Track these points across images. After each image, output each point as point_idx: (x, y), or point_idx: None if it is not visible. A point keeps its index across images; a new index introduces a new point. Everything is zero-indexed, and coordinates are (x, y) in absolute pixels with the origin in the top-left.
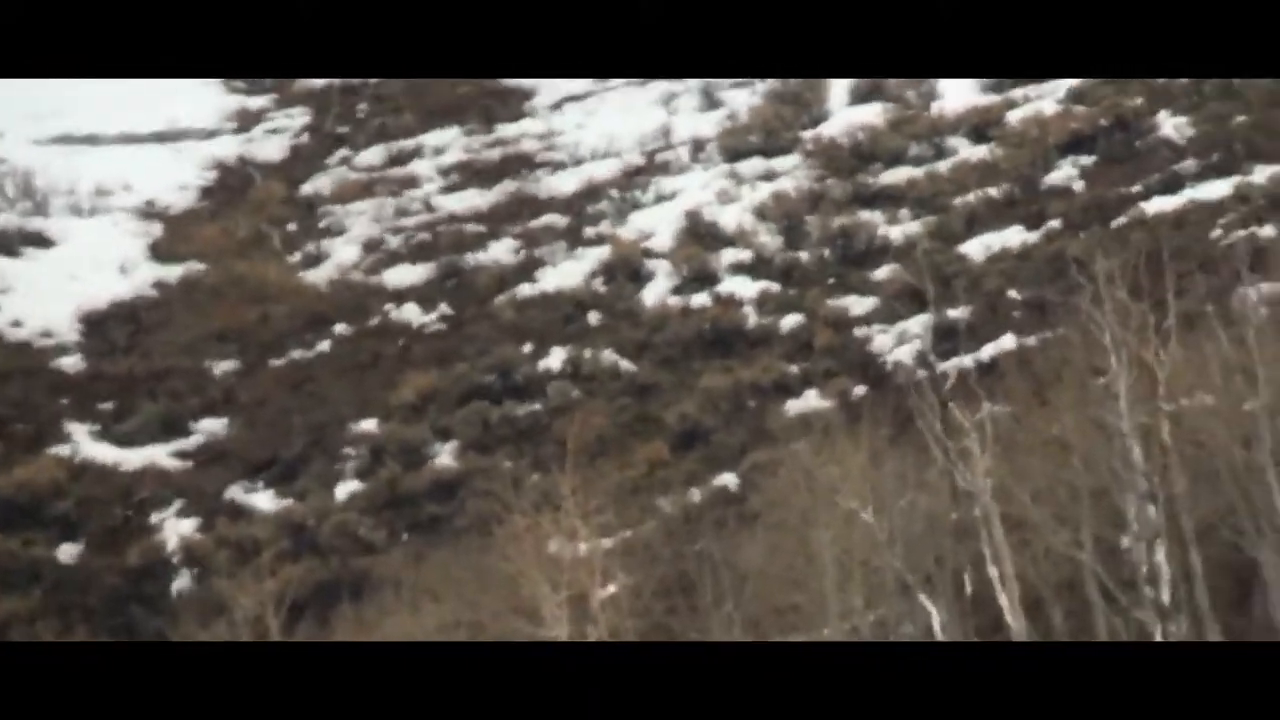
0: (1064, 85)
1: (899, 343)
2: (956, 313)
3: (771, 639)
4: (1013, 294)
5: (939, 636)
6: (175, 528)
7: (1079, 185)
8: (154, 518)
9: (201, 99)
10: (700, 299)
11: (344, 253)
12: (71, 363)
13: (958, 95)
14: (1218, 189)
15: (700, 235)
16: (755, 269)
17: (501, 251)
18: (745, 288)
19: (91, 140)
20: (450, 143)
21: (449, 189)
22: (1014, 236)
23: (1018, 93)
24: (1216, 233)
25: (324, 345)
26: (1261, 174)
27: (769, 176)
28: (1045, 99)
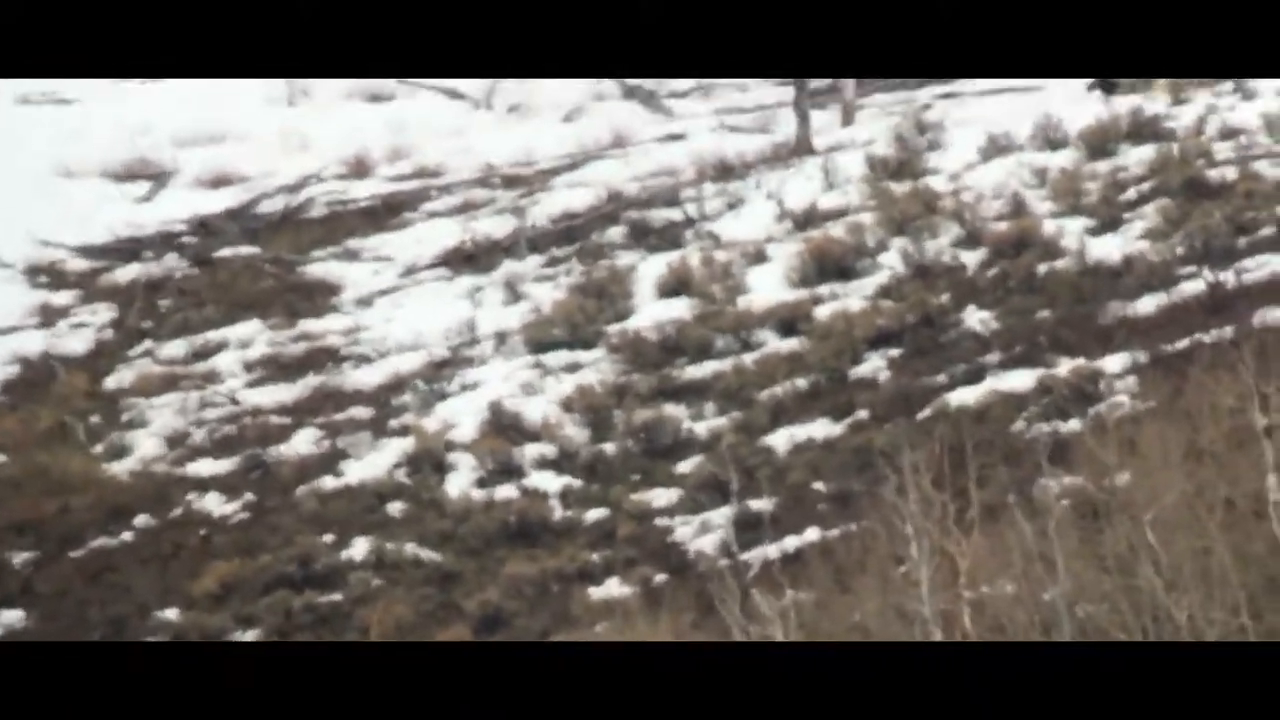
0: (870, 283)
1: (702, 533)
2: (760, 504)
3: None
4: (818, 486)
5: None
6: None
7: (885, 376)
8: None
9: (4, 295)
10: (505, 492)
11: (147, 445)
12: None
13: (765, 290)
14: (1021, 381)
15: (504, 428)
16: (560, 463)
17: (304, 443)
18: (550, 482)
19: None
20: (254, 336)
21: (253, 382)
22: (819, 428)
23: (824, 289)
24: (1020, 425)
25: (126, 536)
26: (1065, 367)
27: (574, 369)
28: (852, 296)
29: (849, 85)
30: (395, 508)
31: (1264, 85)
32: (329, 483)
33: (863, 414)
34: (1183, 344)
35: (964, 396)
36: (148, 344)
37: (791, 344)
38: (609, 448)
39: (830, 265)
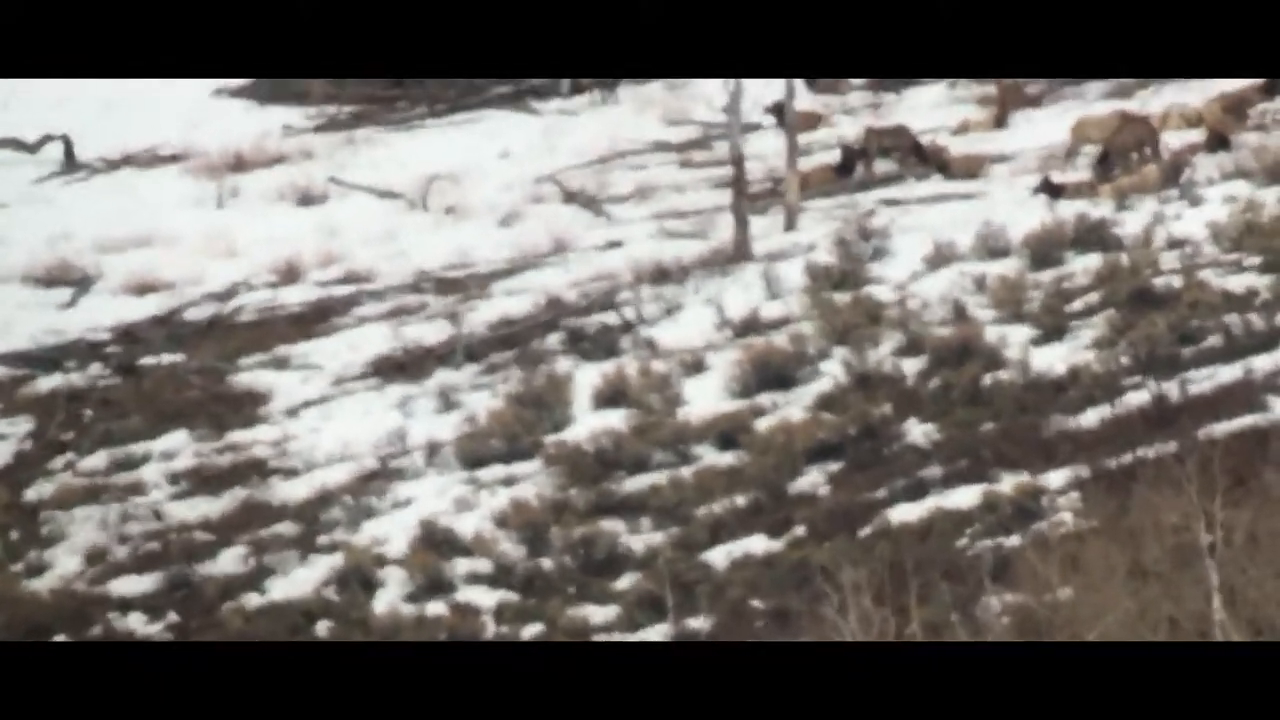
0: (811, 392)
1: None
2: (698, 622)
3: None
4: (756, 603)
5: None
6: None
7: (824, 491)
8: None
9: None
10: (435, 608)
11: (67, 562)
12: None
13: (704, 401)
14: (964, 497)
15: (436, 543)
16: (495, 578)
17: (230, 560)
18: (484, 597)
19: None
20: (180, 448)
21: (178, 495)
22: (758, 544)
23: (765, 399)
24: (962, 541)
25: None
26: (1008, 482)
27: (509, 483)
28: (793, 406)
29: (793, 187)
30: (323, 626)
31: (1211, 192)
32: (254, 600)
33: (801, 530)
34: (1127, 459)
35: (906, 514)
36: (69, 456)
37: (729, 458)
38: (545, 563)
39: (770, 374)
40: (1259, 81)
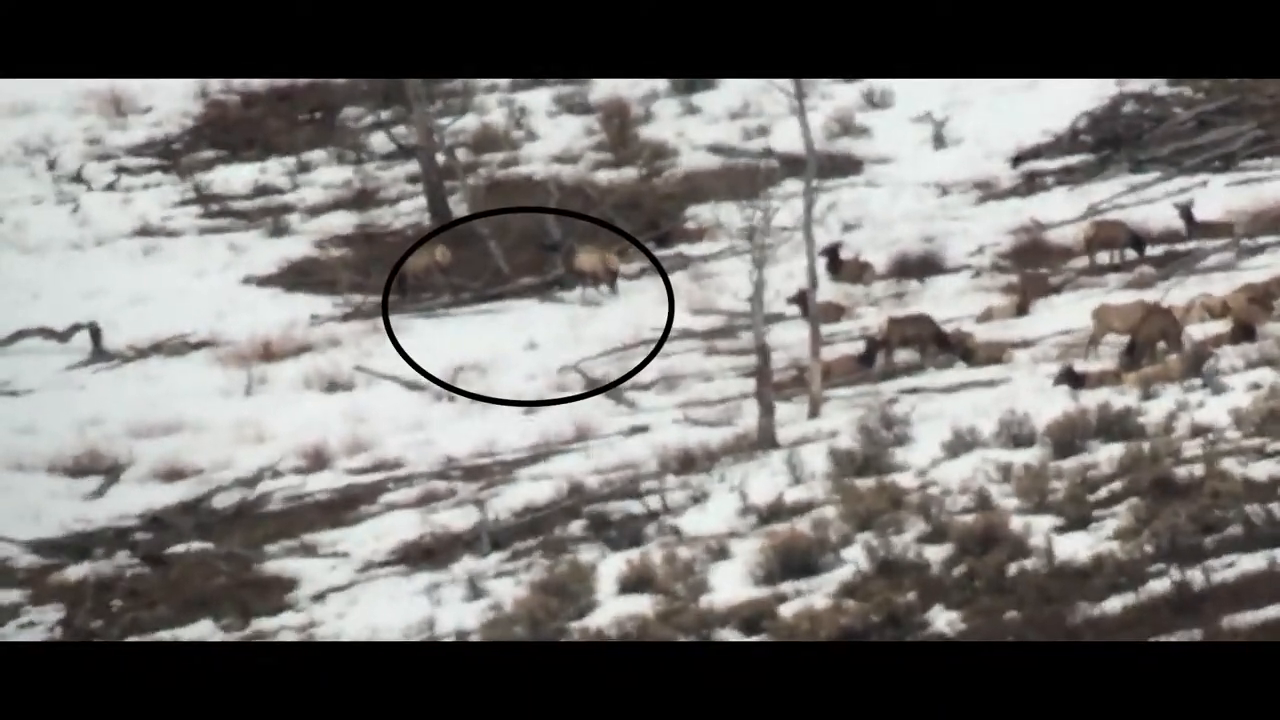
0: (835, 579)
1: None
2: None
3: None
4: None
5: None
6: None
7: None
8: None
9: None
10: None
11: None
12: None
13: (728, 588)
14: None
15: None
16: None
17: None
18: None
19: None
20: (205, 636)
21: None
22: None
23: (788, 586)
24: None
25: None
26: None
27: None
28: (816, 593)
29: (816, 376)
30: None
31: (1235, 380)
32: None
33: None
34: None
35: None
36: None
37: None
38: None
39: (794, 561)
40: None
